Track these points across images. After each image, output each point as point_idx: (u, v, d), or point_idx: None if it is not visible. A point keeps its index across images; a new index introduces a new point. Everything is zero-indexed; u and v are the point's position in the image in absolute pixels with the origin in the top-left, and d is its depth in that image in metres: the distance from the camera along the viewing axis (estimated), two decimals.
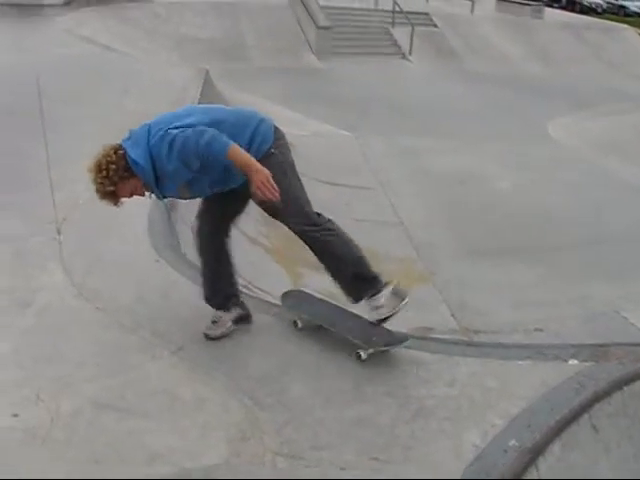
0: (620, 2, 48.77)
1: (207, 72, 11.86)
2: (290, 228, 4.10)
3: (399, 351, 4.12)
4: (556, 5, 39.29)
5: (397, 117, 15.04)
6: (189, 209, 6.85)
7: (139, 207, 6.11)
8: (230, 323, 4.34)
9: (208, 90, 10.95)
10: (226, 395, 3.80)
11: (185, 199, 4.40)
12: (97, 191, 3.89)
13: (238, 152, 3.70)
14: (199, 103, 9.68)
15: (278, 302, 4.83)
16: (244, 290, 5.53)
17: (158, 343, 4.22)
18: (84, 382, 3.87)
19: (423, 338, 4.63)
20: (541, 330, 6.82)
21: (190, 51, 18.07)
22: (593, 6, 46.32)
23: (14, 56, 11.93)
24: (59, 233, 5.61)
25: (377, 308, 4.09)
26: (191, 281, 5.02)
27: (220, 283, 4.37)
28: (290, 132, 12.17)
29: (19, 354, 4.10)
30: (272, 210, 4.07)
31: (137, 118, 8.93)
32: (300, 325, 4.41)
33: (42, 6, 16.45)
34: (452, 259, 8.66)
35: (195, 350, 4.18)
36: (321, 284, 7.17)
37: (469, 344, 4.89)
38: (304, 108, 14.19)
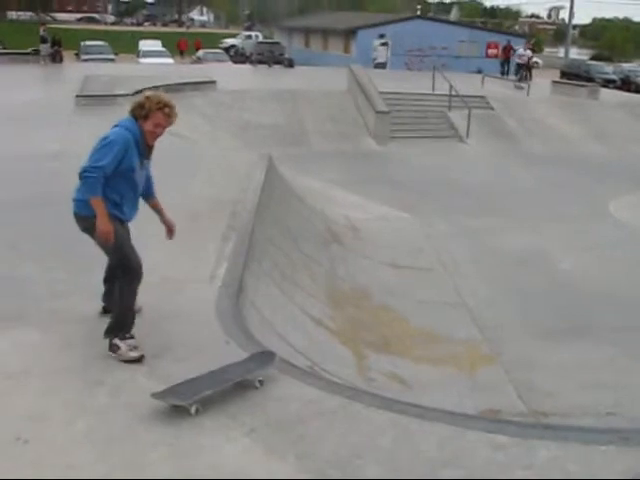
0: None
1: (270, 157, 12.19)
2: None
3: (474, 434, 4.05)
4: (611, 85, 39.36)
5: (457, 198, 15.11)
6: (257, 293, 6.99)
7: (206, 292, 6.26)
8: None
9: (271, 174, 11.23)
10: (299, 477, 3.77)
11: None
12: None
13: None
14: (263, 187, 9.94)
15: (347, 384, 4.82)
16: (310, 371, 5.55)
17: (231, 425, 4.24)
18: (158, 463, 3.89)
19: (498, 421, 4.54)
20: (614, 414, 6.61)
21: (252, 136, 18.61)
22: None
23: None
24: None
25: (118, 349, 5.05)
26: None
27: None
28: (354, 216, 12.46)
29: (93, 433, 4.15)
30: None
31: (204, 202, 9.28)
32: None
33: (115, 96, 17.30)
34: (517, 340, 8.53)
35: (267, 432, 4.18)
36: (386, 366, 7.18)
37: (546, 427, 4.77)
38: (365, 191, 14.39)
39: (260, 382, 4.76)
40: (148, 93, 5.13)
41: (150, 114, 4.98)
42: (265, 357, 5.02)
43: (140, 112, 5.01)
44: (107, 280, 5.52)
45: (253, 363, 4.89)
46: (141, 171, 5.13)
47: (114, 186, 4.94)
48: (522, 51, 32.12)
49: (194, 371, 4.72)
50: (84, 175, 4.78)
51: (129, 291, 5.11)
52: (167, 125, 5.10)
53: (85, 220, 4.96)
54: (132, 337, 5.12)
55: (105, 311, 5.57)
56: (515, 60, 32.50)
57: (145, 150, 5.11)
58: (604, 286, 10.30)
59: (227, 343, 5.35)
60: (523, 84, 28.54)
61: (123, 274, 5.08)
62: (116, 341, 5.06)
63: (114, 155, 4.83)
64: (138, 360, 5.01)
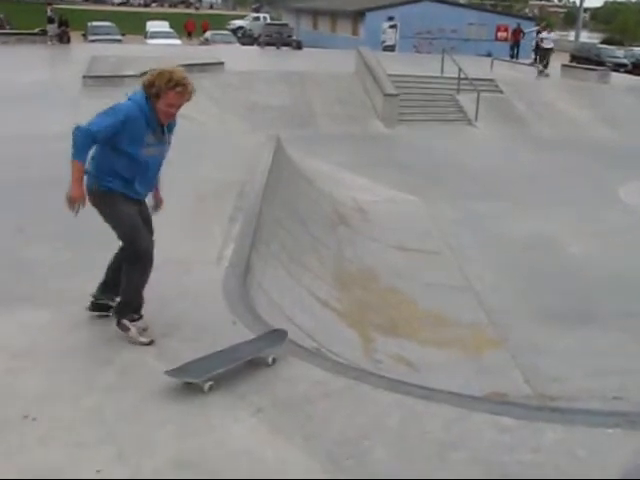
0: None
1: (278, 139, 12.15)
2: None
3: (480, 416, 4.05)
4: (622, 69, 39.02)
5: (465, 182, 15.06)
6: (265, 275, 6.98)
7: (213, 273, 6.26)
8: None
9: (279, 156, 11.19)
10: (306, 458, 3.78)
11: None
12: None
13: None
14: (271, 168, 9.92)
15: (354, 365, 4.82)
16: (317, 353, 5.56)
17: (238, 404, 4.25)
18: (166, 441, 3.91)
19: (504, 403, 4.54)
20: (620, 398, 6.61)
21: (260, 118, 18.55)
22: None
23: None
24: None
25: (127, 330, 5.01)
26: None
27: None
28: (362, 198, 12.43)
29: (102, 411, 4.17)
30: None
31: (211, 184, 9.27)
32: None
33: (122, 77, 17.28)
34: (524, 324, 8.52)
35: (274, 412, 4.19)
36: (393, 348, 7.18)
37: (554, 410, 4.76)
38: (372, 174, 14.35)
39: (273, 360, 4.76)
40: (159, 69, 4.77)
41: (161, 93, 4.66)
42: (276, 336, 5.02)
43: (150, 90, 4.70)
44: (114, 270, 5.21)
45: (264, 341, 4.89)
46: (154, 148, 4.84)
47: (122, 164, 4.72)
48: (546, 34, 29.21)
49: (201, 350, 4.73)
50: (75, 133, 4.52)
51: (140, 279, 5.00)
52: (182, 103, 4.77)
53: (91, 194, 4.76)
54: (141, 317, 5.11)
55: (93, 307, 5.33)
56: (540, 45, 29.48)
57: (158, 127, 4.80)
58: (612, 271, 10.27)
59: (234, 323, 5.36)
60: (547, 71, 27.88)
61: (135, 261, 4.92)
62: (125, 322, 5.01)
63: (110, 124, 4.57)
64: (148, 345, 4.98)
